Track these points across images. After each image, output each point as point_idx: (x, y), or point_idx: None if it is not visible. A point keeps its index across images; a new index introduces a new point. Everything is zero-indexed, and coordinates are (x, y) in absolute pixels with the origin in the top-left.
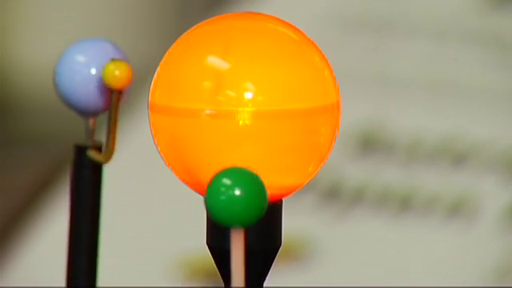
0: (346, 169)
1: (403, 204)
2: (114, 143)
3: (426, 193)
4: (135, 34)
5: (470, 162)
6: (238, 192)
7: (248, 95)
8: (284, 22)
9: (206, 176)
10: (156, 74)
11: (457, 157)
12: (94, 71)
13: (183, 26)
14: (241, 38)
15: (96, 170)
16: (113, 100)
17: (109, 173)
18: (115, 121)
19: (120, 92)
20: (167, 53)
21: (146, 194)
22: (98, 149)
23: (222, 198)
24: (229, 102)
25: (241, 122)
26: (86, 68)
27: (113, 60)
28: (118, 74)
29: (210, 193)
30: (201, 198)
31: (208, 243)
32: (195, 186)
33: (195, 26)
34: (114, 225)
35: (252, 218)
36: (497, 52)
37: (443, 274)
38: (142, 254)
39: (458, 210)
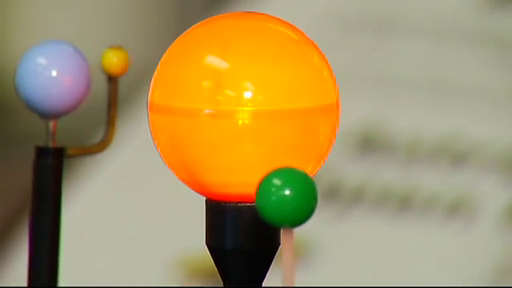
0: (346, 168)
1: (403, 204)
2: (112, 132)
3: (425, 193)
4: (135, 33)
5: (470, 162)
6: (287, 192)
7: (247, 95)
8: (283, 22)
9: (206, 175)
10: (155, 73)
11: (456, 157)
12: (54, 73)
13: (183, 26)
14: (240, 38)
15: (57, 172)
16: (110, 87)
17: (109, 172)
18: (114, 108)
19: (116, 79)
20: (167, 52)
21: (145, 193)
22: (59, 151)
23: (273, 198)
24: (228, 101)
25: (240, 122)
26: (47, 70)
27: (111, 47)
28: (115, 61)
29: (261, 193)
30: (200, 198)
31: (207, 243)
32: (195, 186)
33: (194, 26)
34: (114, 224)
35: (301, 217)
36: (496, 52)
37: (443, 274)
38: (141, 253)
39: (457, 209)
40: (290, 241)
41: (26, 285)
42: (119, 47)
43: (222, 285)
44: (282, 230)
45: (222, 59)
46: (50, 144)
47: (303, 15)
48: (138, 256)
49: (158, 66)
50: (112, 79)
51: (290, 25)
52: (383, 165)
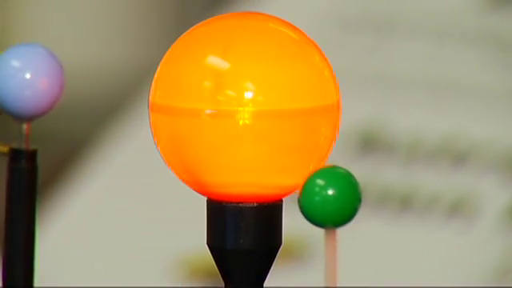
0: (347, 168)
1: (403, 204)
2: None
3: (425, 193)
4: (135, 33)
5: (470, 162)
6: (331, 192)
7: (248, 95)
8: (284, 22)
9: (206, 176)
10: (156, 73)
11: (457, 157)
12: (28, 76)
13: (183, 26)
14: (241, 38)
15: (31, 175)
16: None
17: (109, 172)
18: None
19: None
20: (167, 52)
21: (146, 193)
22: (33, 154)
23: (316, 198)
24: (229, 101)
25: (241, 122)
26: (20, 72)
27: None
28: None
29: (304, 193)
30: (201, 198)
31: (208, 243)
32: (195, 186)
33: (195, 26)
34: (115, 224)
35: (344, 217)
36: (497, 52)
37: (443, 274)
38: (141, 253)
39: (457, 209)
40: (332, 241)
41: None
42: None
43: (222, 285)
44: (324, 230)
45: (223, 59)
46: (24, 147)
47: (304, 15)
48: (138, 256)
49: (159, 66)
50: None
51: (291, 25)
52: (384, 165)
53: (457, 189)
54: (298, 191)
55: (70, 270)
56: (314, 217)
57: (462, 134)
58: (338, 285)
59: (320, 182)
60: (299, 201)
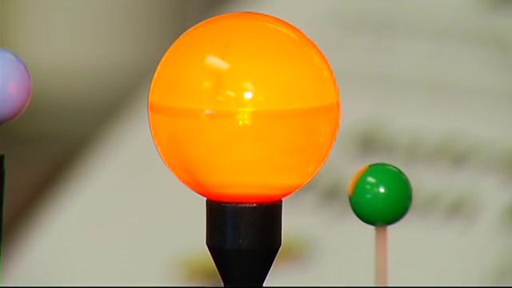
0: (346, 169)
1: None
2: None
3: (425, 193)
4: (135, 34)
5: (470, 162)
6: (382, 190)
7: (248, 95)
8: (284, 22)
9: (206, 176)
10: (156, 73)
11: (457, 157)
12: None
13: (183, 26)
14: (240, 38)
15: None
16: None
17: (108, 173)
18: None
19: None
20: (167, 53)
21: (145, 194)
22: (0, 158)
23: (368, 196)
24: (228, 102)
25: (240, 122)
26: None
27: None
28: None
29: (355, 191)
30: (200, 198)
31: (207, 243)
32: (195, 186)
33: (195, 26)
34: (114, 225)
35: (395, 215)
36: (497, 52)
37: (443, 274)
38: (141, 254)
39: (457, 210)
40: (383, 239)
41: (27, 284)
42: None
43: (222, 285)
44: (375, 228)
45: (223, 59)
46: None
47: (303, 15)
48: (137, 256)
49: (159, 67)
50: None
51: (290, 25)
52: None
53: (456, 189)
54: (349, 189)
55: (69, 270)
56: (364, 215)
57: (461, 135)
58: (388, 284)
59: (371, 179)
60: (350, 198)
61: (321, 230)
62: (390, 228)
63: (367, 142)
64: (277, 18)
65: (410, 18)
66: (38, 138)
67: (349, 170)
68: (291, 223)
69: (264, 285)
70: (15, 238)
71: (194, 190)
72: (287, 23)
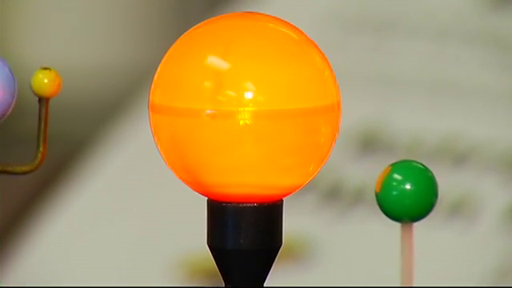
0: (347, 169)
1: None
2: (44, 153)
3: None
4: (136, 34)
5: (471, 162)
6: (408, 186)
7: (248, 95)
8: (284, 22)
9: (207, 176)
10: (156, 74)
11: (457, 157)
12: None
13: (183, 26)
14: (241, 38)
15: None
16: (41, 109)
17: (110, 173)
18: (45, 129)
19: (48, 100)
20: (168, 53)
21: (146, 194)
22: None
23: (394, 192)
24: (229, 101)
25: (241, 122)
26: None
27: (42, 68)
28: (46, 82)
29: (382, 187)
30: (202, 198)
31: (208, 243)
32: (196, 186)
33: (195, 26)
34: (115, 225)
35: (421, 212)
36: (497, 52)
37: (444, 274)
38: (142, 254)
39: (458, 210)
40: (409, 236)
41: (27, 284)
42: (49, 68)
43: (223, 285)
44: (401, 225)
45: (223, 59)
46: None
47: (304, 15)
48: (138, 256)
49: (159, 67)
50: (42, 100)
51: (291, 25)
52: (384, 165)
53: (457, 189)
54: (376, 186)
55: (70, 270)
56: (391, 211)
57: (462, 135)
58: (413, 282)
59: (397, 176)
60: (376, 195)
61: (321, 230)
62: (390, 228)
63: (368, 142)
64: (278, 18)
65: (410, 18)
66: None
67: (349, 170)
68: (292, 223)
69: (265, 285)
70: (16, 238)
71: (194, 189)
72: (288, 23)
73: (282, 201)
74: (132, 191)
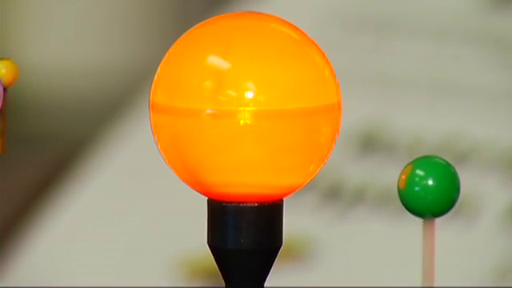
0: (347, 168)
1: None
2: (2, 144)
3: None
4: (136, 33)
5: (471, 162)
6: (430, 182)
7: (249, 95)
8: (285, 22)
9: (207, 176)
10: (157, 73)
11: (457, 156)
12: None
13: (184, 26)
14: (242, 38)
15: None
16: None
17: (110, 172)
18: (4, 120)
19: (5, 90)
20: (168, 52)
21: (146, 193)
22: None
23: (416, 188)
24: (230, 101)
25: (242, 122)
26: None
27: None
28: (4, 72)
29: (405, 183)
30: (202, 198)
31: (209, 243)
32: (196, 186)
33: (196, 26)
34: (115, 224)
35: (443, 207)
36: (498, 52)
37: (444, 274)
38: (142, 253)
39: (459, 210)
40: (431, 232)
41: (28, 285)
42: (8, 59)
43: (223, 285)
44: (423, 221)
45: (224, 59)
46: None
47: (305, 15)
48: (138, 256)
49: (160, 66)
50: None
51: (292, 25)
52: (384, 165)
53: None
54: (399, 181)
55: (70, 270)
56: (413, 207)
57: (462, 134)
58: (434, 278)
59: (420, 172)
60: (399, 191)
61: (322, 230)
62: (391, 228)
63: (368, 142)
64: (278, 18)
65: (410, 18)
66: (39, 138)
67: (350, 170)
68: (292, 223)
69: (265, 285)
70: (16, 238)
71: (195, 189)
72: (289, 23)
73: (282, 200)
74: (132, 191)
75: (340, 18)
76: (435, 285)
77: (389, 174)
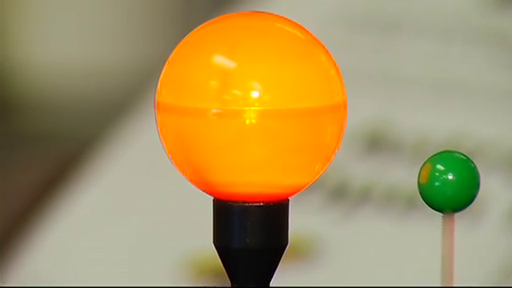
0: (353, 168)
1: (409, 203)
2: None
3: None
4: (141, 33)
5: (476, 162)
6: (450, 177)
7: (254, 94)
8: (290, 22)
9: (213, 175)
10: (163, 73)
11: None
12: None
13: (189, 25)
14: (247, 38)
15: None
16: None
17: (115, 172)
18: None
19: None
20: (174, 52)
21: (152, 193)
22: None
23: (436, 183)
24: (235, 101)
25: (247, 121)
26: None
27: None
28: None
29: (424, 178)
30: (207, 197)
31: (214, 243)
32: (202, 185)
33: (201, 26)
34: (120, 224)
35: (463, 202)
36: (502, 51)
37: None
38: (147, 253)
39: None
40: (450, 227)
41: (32, 285)
42: None
43: (229, 284)
44: (442, 216)
45: (229, 59)
46: None
47: (310, 15)
48: (144, 256)
49: (165, 66)
50: None
51: (297, 24)
52: (390, 164)
53: None
54: (420, 176)
55: (74, 270)
56: (433, 202)
57: (467, 134)
58: (454, 275)
59: (440, 167)
60: (419, 186)
61: (327, 229)
62: (397, 227)
63: (374, 141)
64: (283, 18)
65: (415, 17)
66: (44, 138)
67: (355, 169)
68: (298, 222)
69: (271, 284)
70: (20, 238)
71: (200, 189)
72: (294, 22)
73: (287, 200)
74: (137, 191)
75: (345, 18)
76: (437, 284)
77: (394, 174)
